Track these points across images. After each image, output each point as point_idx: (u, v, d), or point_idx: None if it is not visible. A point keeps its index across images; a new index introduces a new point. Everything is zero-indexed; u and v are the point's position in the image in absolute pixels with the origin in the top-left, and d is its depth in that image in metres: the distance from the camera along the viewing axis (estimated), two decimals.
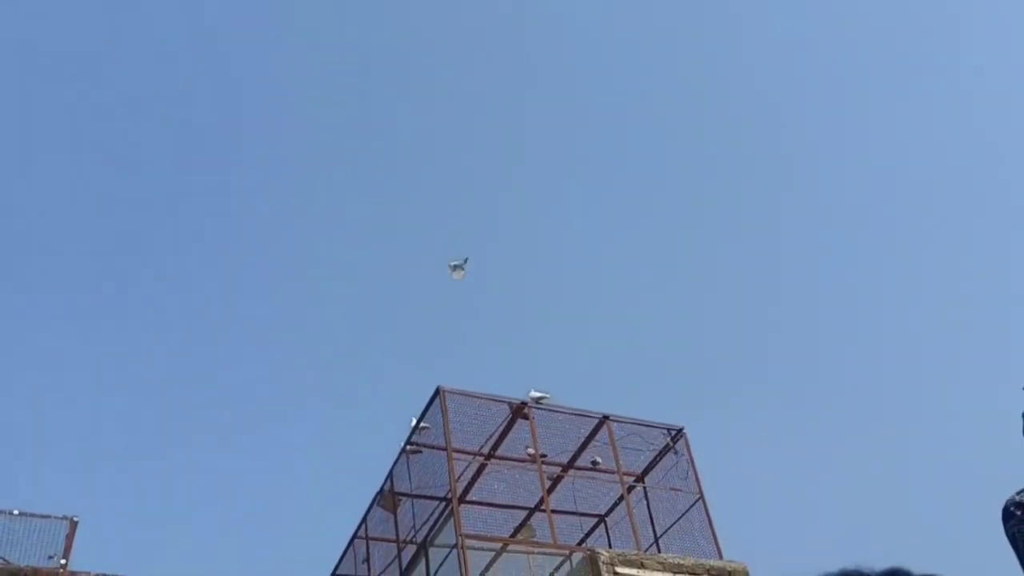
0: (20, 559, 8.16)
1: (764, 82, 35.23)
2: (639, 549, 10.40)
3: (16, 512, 8.75)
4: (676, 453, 11.73)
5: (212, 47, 34.87)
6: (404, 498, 12.25)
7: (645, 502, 11.78)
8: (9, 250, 31.80)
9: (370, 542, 12.89)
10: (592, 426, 11.67)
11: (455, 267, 11.43)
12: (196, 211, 36.42)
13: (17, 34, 30.37)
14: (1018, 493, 2.13)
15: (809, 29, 34.58)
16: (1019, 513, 2.09)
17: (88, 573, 6.91)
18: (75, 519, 8.79)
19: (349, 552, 13.17)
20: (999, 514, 2.13)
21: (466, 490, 11.35)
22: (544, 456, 11.34)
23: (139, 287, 34.72)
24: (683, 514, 11.35)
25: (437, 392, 11.10)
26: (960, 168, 33.44)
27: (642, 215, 36.97)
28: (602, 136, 36.98)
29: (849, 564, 0.69)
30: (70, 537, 8.73)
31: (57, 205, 33.62)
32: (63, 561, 8.52)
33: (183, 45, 34.31)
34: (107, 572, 6.98)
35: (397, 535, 12.44)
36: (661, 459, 11.84)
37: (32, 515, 8.75)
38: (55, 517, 8.78)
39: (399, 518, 12.42)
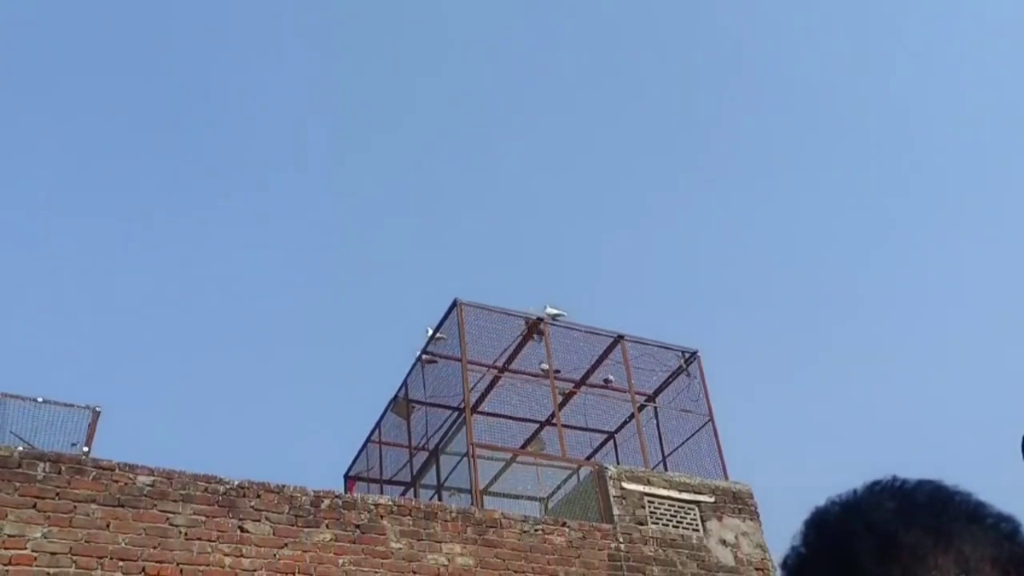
0: (44, 445, 8.41)
1: None
2: (647, 466, 10.57)
3: (40, 400, 8.97)
4: (689, 376, 11.79)
5: None
6: (418, 406, 12.45)
7: (655, 422, 11.91)
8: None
9: (383, 446, 13.17)
10: (606, 345, 11.72)
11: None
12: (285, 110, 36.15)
13: None
14: None
15: None
16: None
17: (110, 461, 7.09)
18: (97, 408, 9.02)
19: (362, 454, 13.48)
20: (1018, 443, 2.11)
21: (479, 401, 11.51)
22: (557, 372, 11.44)
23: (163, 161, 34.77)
24: (692, 435, 11.48)
25: (454, 304, 11.14)
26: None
27: (654, 136, 36.36)
28: (626, 52, 36.11)
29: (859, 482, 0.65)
30: (92, 425, 8.98)
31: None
32: (85, 448, 8.78)
33: None
34: (129, 461, 7.16)
35: (410, 441, 12.69)
36: (673, 380, 11.91)
37: (55, 403, 8.98)
38: (78, 406, 9.00)
39: (412, 425, 12.65)
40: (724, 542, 9.55)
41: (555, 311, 11.58)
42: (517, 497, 12.05)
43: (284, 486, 7.64)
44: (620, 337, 11.65)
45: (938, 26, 33.20)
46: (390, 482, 12.88)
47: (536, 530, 8.65)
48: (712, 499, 9.86)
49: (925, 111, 35.14)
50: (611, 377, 11.84)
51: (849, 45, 35.10)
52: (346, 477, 13.43)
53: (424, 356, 11.94)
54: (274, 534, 7.35)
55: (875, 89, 35.06)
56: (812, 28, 35.31)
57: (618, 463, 11.29)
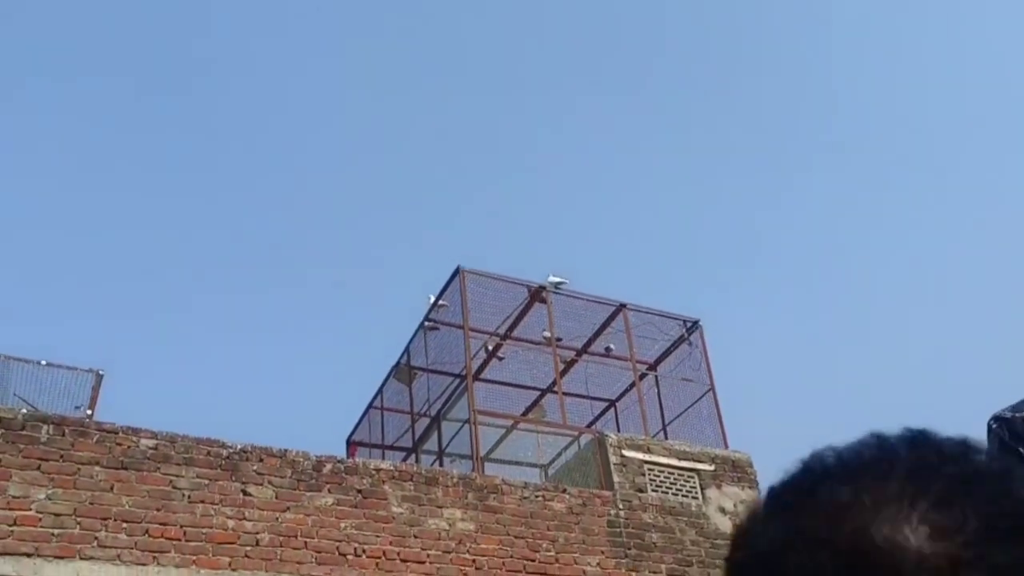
0: (47, 407, 8.46)
1: None
2: (647, 434, 10.62)
3: (43, 362, 9.01)
4: (690, 345, 11.80)
5: None
6: (420, 372, 12.49)
7: (656, 390, 11.95)
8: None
9: (385, 412, 13.24)
10: (608, 313, 11.72)
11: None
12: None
13: None
14: (1005, 409, 2.13)
15: None
16: (994, 426, 2.10)
17: (113, 424, 7.14)
18: (100, 372, 9.05)
19: (364, 420, 13.55)
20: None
21: (481, 368, 11.54)
22: (559, 340, 11.45)
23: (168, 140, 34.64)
24: (692, 404, 11.52)
25: (457, 271, 11.13)
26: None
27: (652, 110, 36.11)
28: (626, 44, 35.74)
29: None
30: (96, 388, 9.02)
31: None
32: (89, 412, 8.84)
33: None
34: (132, 424, 7.21)
35: (411, 407, 12.75)
36: (675, 349, 11.93)
37: (59, 366, 9.02)
38: (81, 369, 9.04)
39: (414, 391, 12.70)
40: (723, 510, 9.61)
41: (557, 279, 11.56)
42: (518, 463, 12.13)
43: (287, 450, 7.69)
44: (622, 306, 11.65)
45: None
46: (392, 447, 12.97)
47: (536, 496, 8.71)
48: (712, 467, 9.92)
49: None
50: (612, 346, 11.86)
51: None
52: (348, 442, 13.52)
53: (426, 323, 11.96)
54: (276, 498, 7.41)
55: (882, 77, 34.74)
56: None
57: (619, 431, 11.34)
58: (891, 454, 0.53)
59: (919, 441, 0.54)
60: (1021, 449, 2.05)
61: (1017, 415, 2.10)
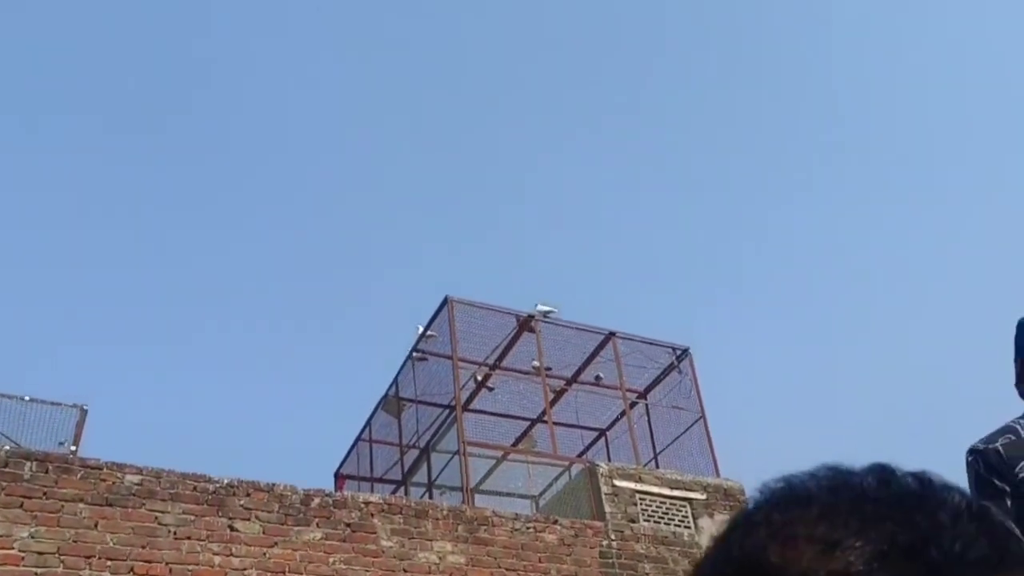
0: (31, 444, 8.35)
1: None
2: (638, 464, 10.56)
3: (27, 398, 8.91)
4: (680, 372, 11.79)
5: None
6: (408, 403, 12.42)
7: (646, 419, 11.91)
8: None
9: (373, 444, 13.13)
10: (598, 342, 11.71)
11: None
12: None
13: None
14: (978, 441, 2.16)
15: None
16: (970, 459, 2.13)
17: (97, 460, 7.04)
18: (84, 407, 8.96)
19: (353, 453, 13.44)
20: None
21: (470, 399, 11.49)
22: (548, 369, 11.42)
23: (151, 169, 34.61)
24: (683, 432, 11.48)
25: (445, 301, 11.12)
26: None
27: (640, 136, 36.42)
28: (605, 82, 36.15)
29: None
30: (80, 424, 8.92)
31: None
32: (73, 448, 8.73)
33: None
34: (116, 460, 7.11)
35: (400, 439, 12.66)
36: (665, 377, 11.91)
37: (43, 402, 8.92)
38: (65, 404, 8.95)
39: (403, 423, 12.62)
40: None
41: (546, 308, 11.56)
42: (509, 495, 12.03)
43: (274, 484, 7.60)
44: (611, 334, 11.64)
45: None
46: (381, 480, 12.85)
47: (527, 528, 8.63)
48: (704, 496, 9.86)
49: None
50: (602, 374, 11.84)
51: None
52: (336, 475, 13.39)
53: (415, 354, 11.91)
54: (264, 533, 7.31)
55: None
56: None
57: (609, 460, 11.28)
58: (826, 481, 0.54)
59: (862, 471, 0.55)
60: (995, 480, 2.05)
61: (990, 446, 2.12)
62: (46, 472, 6.76)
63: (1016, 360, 2.25)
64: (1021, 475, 2.01)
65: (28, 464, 6.74)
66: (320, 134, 36.32)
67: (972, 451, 2.13)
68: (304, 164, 36.12)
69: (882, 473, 0.54)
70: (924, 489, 0.53)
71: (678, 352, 11.93)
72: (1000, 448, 2.07)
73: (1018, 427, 2.13)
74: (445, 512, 8.33)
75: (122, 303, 33.89)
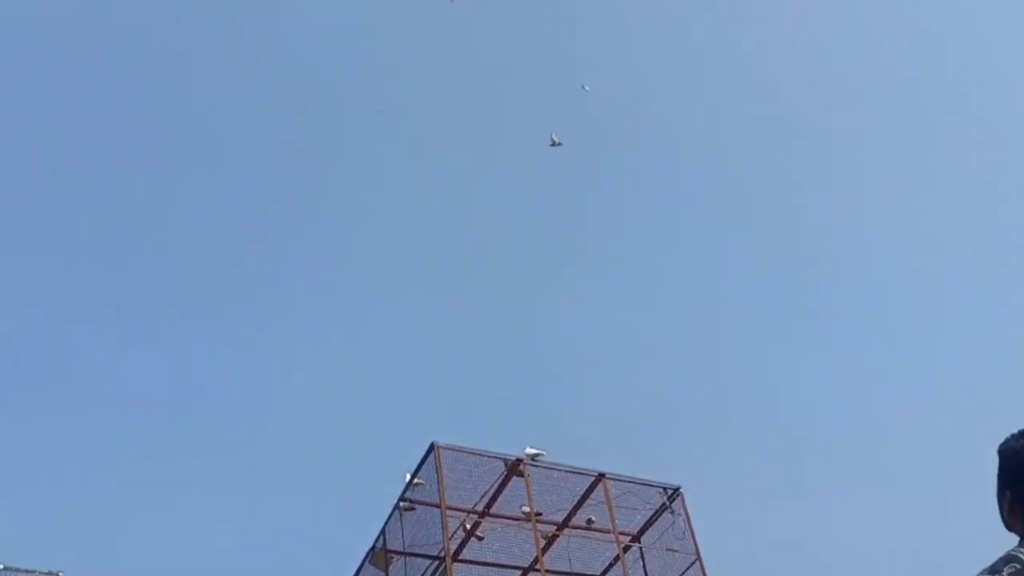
0: None
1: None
2: None
3: (2, 567, 8.60)
4: (673, 512, 11.58)
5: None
6: (397, 555, 12.06)
7: (641, 562, 11.60)
8: None
9: None
10: (588, 484, 11.55)
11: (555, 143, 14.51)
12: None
13: None
14: (984, 571, 2.10)
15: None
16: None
17: None
18: (60, 574, 8.63)
19: None
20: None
21: (460, 548, 11.19)
22: (539, 514, 11.20)
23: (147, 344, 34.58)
24: (679, 575, 11.17)
25: (432, 447, 11.00)
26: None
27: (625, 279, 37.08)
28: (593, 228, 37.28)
29: None
30: None
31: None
32: None
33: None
34: None
35: None
36: (658, 518, 11.69)
37: (17, 569, 8.60)
38: (40, 572, 8.62)
39: None
40: None
41: (535, 451, 11.47)
42: None
43: None
44: (602, 475, 11.50)
45: None
46: None
47: None
48: None
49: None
50: (593, 517, 11.61)
51: None
52: None
53: (402, 503, 11.67)
54: None
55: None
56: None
57: None
58: None
59: None
60: None
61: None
62: None
63: (1003, 493, 2.18)
64: None
65: None
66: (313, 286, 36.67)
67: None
68: (321, 287, 36.31)
69: None
70: None
71: (670, 492, 11.76)
72: None
73: (1020, 555, 2.10)
74: None
75: (93, 475, 33.10)
